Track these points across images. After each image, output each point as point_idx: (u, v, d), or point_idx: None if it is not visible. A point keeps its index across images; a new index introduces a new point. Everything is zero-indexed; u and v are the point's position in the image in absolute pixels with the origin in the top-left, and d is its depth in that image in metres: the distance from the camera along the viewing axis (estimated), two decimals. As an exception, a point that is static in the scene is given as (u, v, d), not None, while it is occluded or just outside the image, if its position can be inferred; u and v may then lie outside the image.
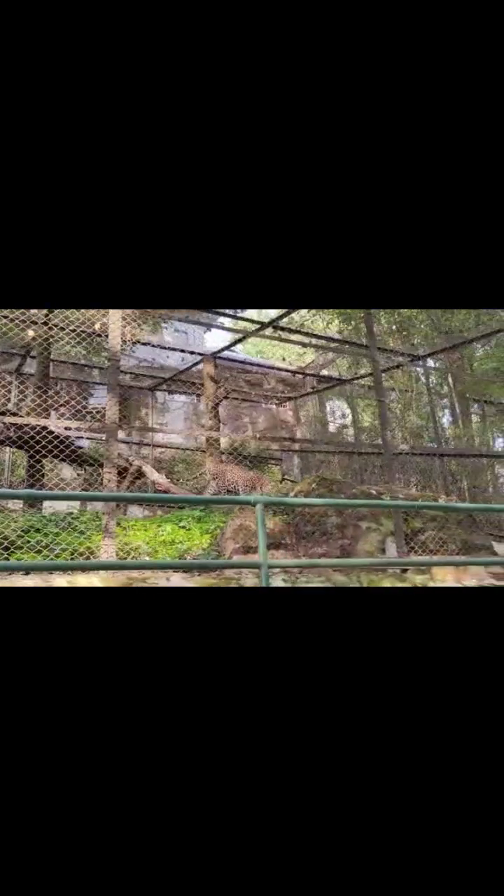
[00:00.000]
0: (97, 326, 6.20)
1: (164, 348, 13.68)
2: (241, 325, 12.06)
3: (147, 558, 6.35)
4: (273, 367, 18.71)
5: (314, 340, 11.13)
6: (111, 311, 5.42)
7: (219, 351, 10.24)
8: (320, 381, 13.98)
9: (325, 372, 14.58)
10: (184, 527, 7.31)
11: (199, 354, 10.53)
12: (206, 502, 6.15)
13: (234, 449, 14.47)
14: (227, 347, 10.02)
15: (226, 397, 10.75)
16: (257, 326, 9.74)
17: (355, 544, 6.33)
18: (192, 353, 11.25)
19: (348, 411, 15.54)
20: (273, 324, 8.81)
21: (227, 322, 11.67)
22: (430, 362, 13.33)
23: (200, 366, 10.40)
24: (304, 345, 12.26)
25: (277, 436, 14.93)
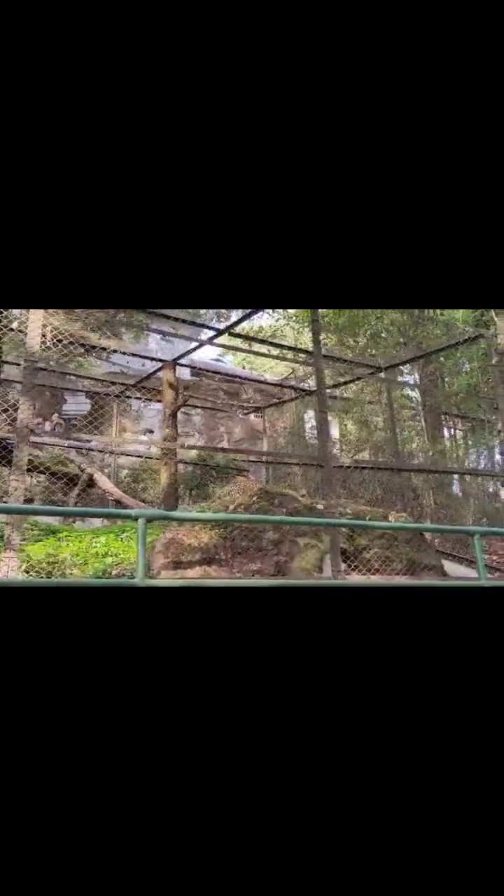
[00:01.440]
0: (15, 325, 5.92)
1: (129, 354, 13.41)
2: (237, 336, 11.82)
3: (75, 571, 6.03)
4: (248, 379, 18.49)
5: (282, 352, 10.91)
6: (31, 310, 5.15)
7: (179, 357, 9.95)
8: (297, 392, 13.74)
9: (310, 382, 14.34)
10: (123, 539, 7.00)
11: (160, 361, 10.24)
12: (83, 514, 5.79)
13: (201, 459, 14.19)
14: (187, 354, 9.73)
15: (185, 404, 10.44)
16: (242, 338, 9.52)
17: (291, 561, 6.04)
18: (153, 359, 10.97)
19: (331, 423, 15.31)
20: (228, 330, 8.56)
21: (211, 333, 11.46)
22: (409, 377, 13.15)
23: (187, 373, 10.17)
24: (272, 356, 12.03)
25: (247, 447, 14.66)
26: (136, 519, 3.34)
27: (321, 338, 12.42)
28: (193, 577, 5.74)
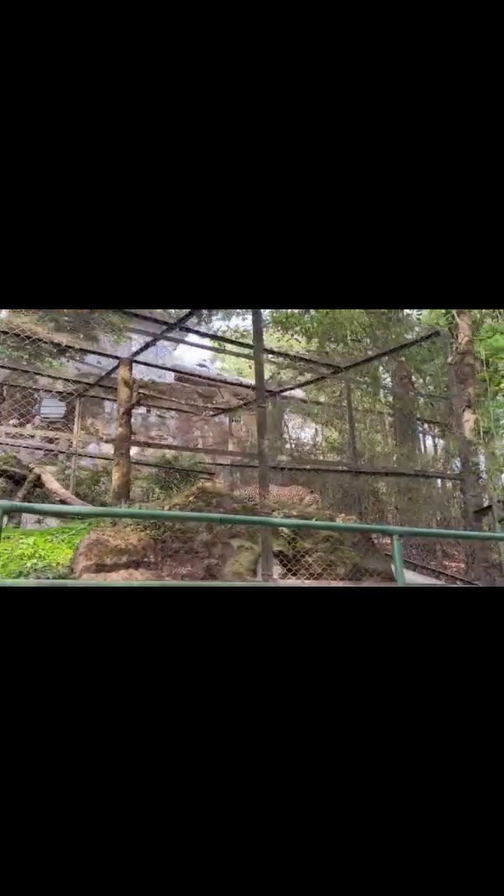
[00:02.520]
0: None
1: (102, 355, 13.13)
2: (208, 337, 11.51)
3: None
4: (225, 382, 18.18)
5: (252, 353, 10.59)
6: None
7: (135, 354, 9.63)
8: (274, 395, 13.44)
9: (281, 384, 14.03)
10: (51, 540, 6.64)
11: (114, 357, 9.91)
12: None
13: (166, 462, 13.87)
14: (144, 349, 9.42)
15: (138, 403, 10.11)
16: (228, 342, 9.21)
17: (223, 564, 5.70)
18: (112, 356, 10.64)
19: (312, 427, 15.01)
20: (179, 324, 8.25)
21: (195, 338, 11.17)
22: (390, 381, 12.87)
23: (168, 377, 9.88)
24: (246, 357, 11.70)
25: (216, 449, 14.31)
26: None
27: (301, 342, 12.13)
28: (116, 580, 5.39)
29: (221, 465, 13.27)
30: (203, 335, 10.48)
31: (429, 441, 12.84)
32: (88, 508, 6.24)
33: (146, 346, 9.61)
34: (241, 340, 12.47)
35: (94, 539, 5.70)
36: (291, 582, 5.58)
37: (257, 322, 6.25)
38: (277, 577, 5.73)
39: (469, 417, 8.49)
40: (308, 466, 8.35)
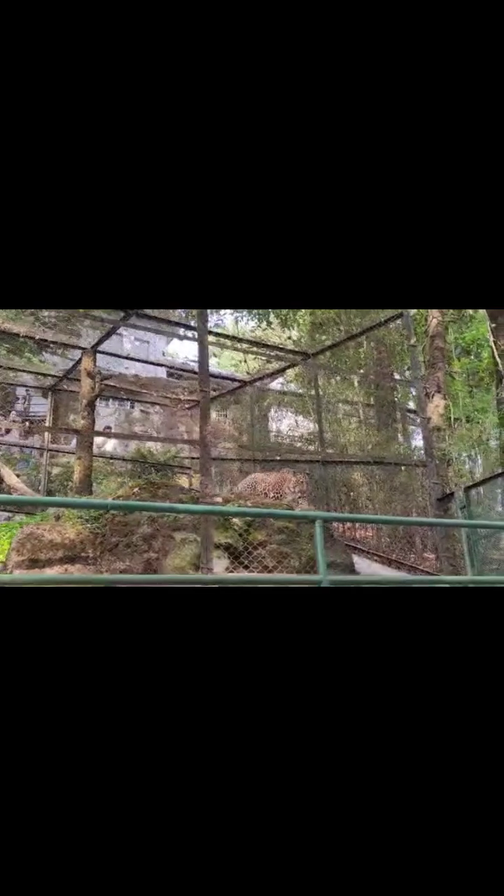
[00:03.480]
0: None
1: (77, 347, 12.81)
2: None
3: None
4: (210, 376, 17.82)
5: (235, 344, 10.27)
6: None
7: (96, 345, 9.33)
8: (245, 385, 13.10)
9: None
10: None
11: (132, 360, 9.63)
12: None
13: (141, 456, 13.58)
14: (103, 341, 9.12)
15: (101, 394, 9.78)
16: (226, 340, 8.92)
17: (164, 558, 5.39)
18: (113, 355, 10.35)
19: (299, 420, 14.66)
20: (137, 312, 7.94)
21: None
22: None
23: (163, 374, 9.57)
24: (241, 350, 11.37)
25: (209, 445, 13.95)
26: None
27: (292, 334, 11.79)
28: (51, 575, 5.09)
29: (194, 458, 12.95)
30: (188, 328, 10.15)
31: (413, 428, 12.53)
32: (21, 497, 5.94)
33: (107, 336, 9.31)
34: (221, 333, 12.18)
35: (29, 533, 5.40)
36: (236, 576, 5.27)
37: (202, 317, 5.93)
38: (221, 571, 5.42)
39: (438, 402, 8.17)
40: (275, 457, 8.03)
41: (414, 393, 8.72)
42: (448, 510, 6.32)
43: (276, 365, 11.22)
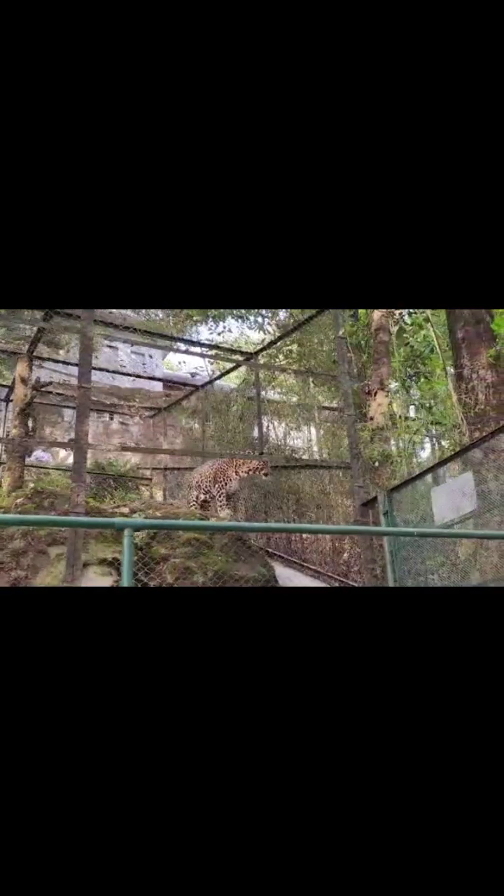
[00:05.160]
0: None
1: (55, 360, 12.39)
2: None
3: None
4: (183, 384, 17.39)
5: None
6: None
7: (30, 349, 8.83)
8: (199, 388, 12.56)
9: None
10: None
11: (128, 374, 9.15)
12: None
13: (99, 467, 13.08)
14: (35, 342, 8.63)
15: (32, 400, 9.25)
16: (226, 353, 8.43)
17: (34, 576, 4.80)
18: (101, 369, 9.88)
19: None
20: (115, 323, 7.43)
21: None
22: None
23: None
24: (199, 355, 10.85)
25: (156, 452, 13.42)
26: None
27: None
28: None
29: (158, 469, 12.41)
30: (189, 343, 9.65)
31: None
32: None
33: (36, 341, 8.82)
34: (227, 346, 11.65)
35: None
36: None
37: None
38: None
39: (382, 401, 7.53)
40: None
41: (358, 389, 8.10)
42: (372, 515, 5.68)
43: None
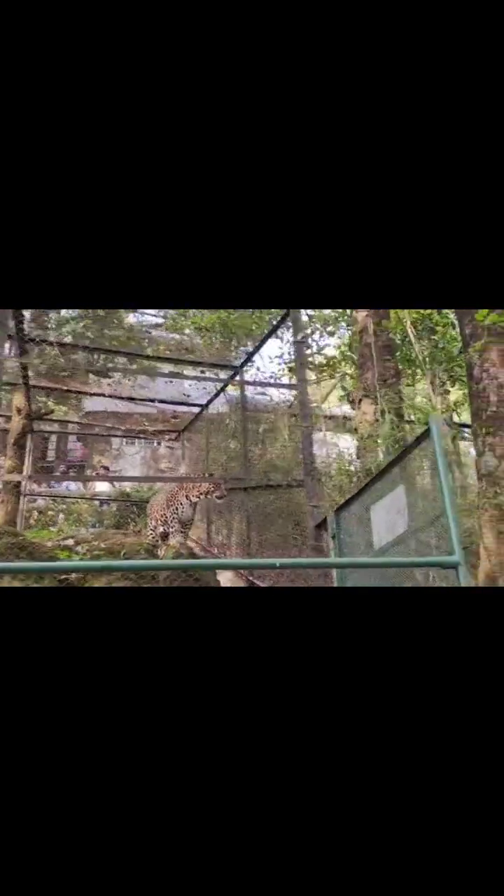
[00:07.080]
0: None
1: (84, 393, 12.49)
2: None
3: None
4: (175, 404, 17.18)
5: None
6: None
7: (25, 379, 8.80)
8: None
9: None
10: None
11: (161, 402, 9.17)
12: None
13: (122, 495, 12.99)
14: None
15: (30, 431, 9.20)
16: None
17: None
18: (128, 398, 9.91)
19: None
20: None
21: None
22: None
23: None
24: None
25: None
26: None
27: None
28: None
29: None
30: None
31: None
32: None
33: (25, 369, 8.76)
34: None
35: None
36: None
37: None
38: None
39: (367, 409, 6.82)
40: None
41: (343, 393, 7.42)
42: (325, 538, 5.03)
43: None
